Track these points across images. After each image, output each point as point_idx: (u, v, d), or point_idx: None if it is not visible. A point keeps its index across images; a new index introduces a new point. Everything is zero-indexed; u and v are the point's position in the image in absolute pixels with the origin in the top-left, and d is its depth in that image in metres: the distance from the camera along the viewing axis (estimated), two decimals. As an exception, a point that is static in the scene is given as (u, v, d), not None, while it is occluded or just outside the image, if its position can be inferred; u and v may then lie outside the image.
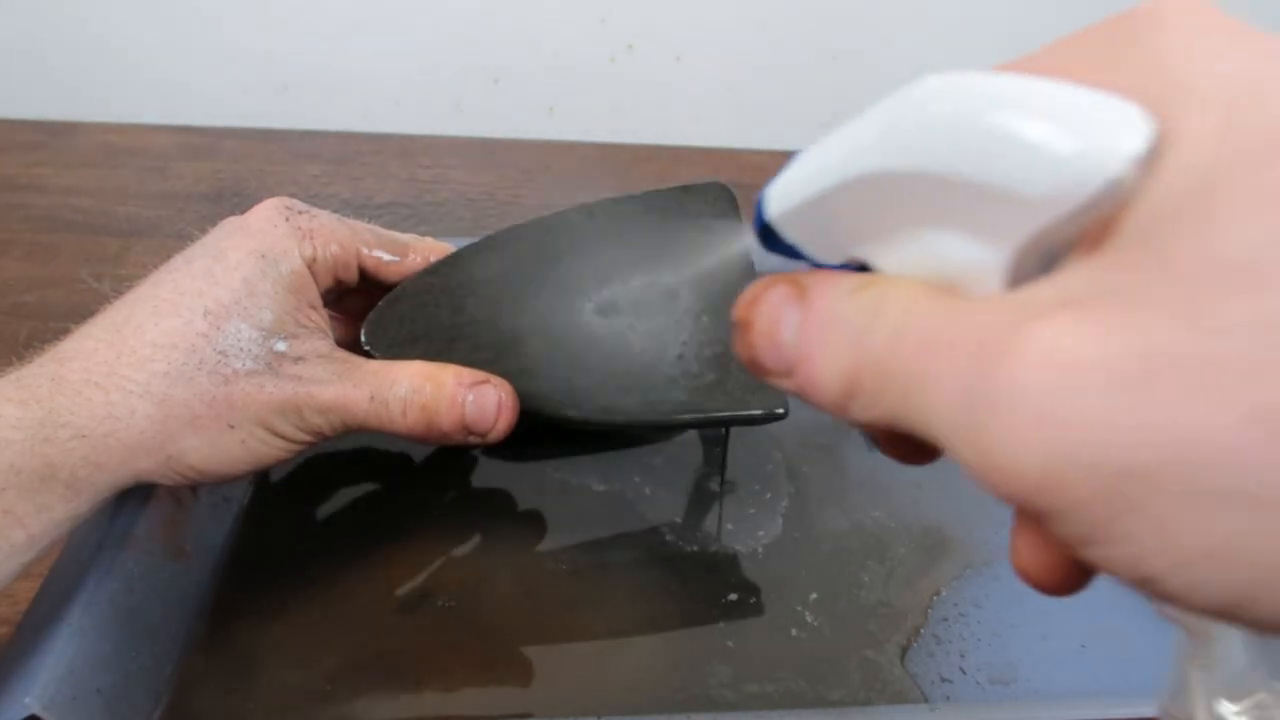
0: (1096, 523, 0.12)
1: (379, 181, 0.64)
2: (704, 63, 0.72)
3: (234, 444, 0.29)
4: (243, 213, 0.32)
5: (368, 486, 0.38)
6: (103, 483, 0.27)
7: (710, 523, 0.37)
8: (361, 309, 0.34)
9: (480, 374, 0.32)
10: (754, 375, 0.17)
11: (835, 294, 0.16)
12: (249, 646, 0.31)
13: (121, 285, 0.30)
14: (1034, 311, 0.13)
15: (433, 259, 0.34)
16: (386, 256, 0.34)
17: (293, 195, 0.33)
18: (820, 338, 0.16)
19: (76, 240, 0.56)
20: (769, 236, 0.17)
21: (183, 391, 0.27)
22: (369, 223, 0.34)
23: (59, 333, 0.28)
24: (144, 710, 0.29)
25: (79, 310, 0.29)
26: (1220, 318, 0.11)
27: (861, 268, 0.17)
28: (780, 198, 0.17)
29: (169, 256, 0.30)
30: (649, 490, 0.37)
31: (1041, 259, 0.14)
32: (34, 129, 0.67)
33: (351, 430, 0.30)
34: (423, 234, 0.36)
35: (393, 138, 0.69)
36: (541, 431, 0.33)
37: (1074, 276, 0.13)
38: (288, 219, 0.31)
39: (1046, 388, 0.12)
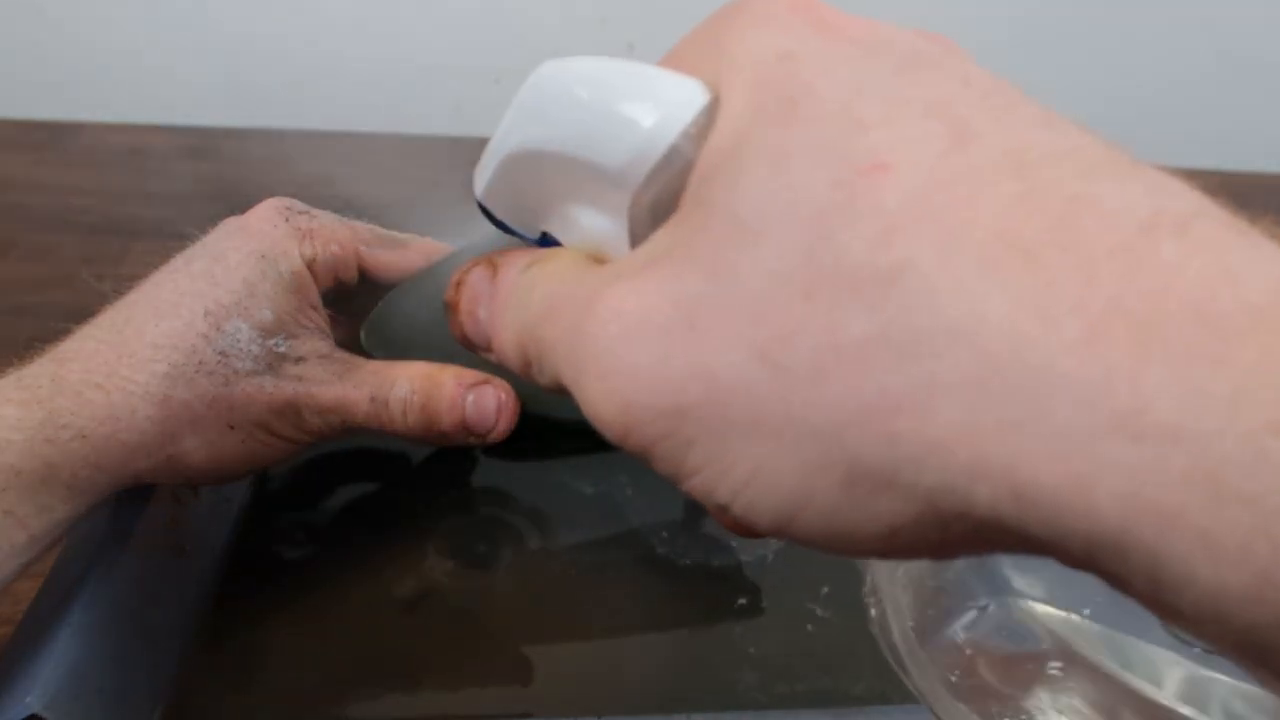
0: (671, 459, 0.14)
1: (379, 181, 0.64)
2: (704, 63, 0.72)
3: (234, 444, 0.29)
4: (243, 213, 0.32)
5: (368, 486, 0.38)
6: (103, 483, 0.27)
7: (710, 523, 0.37)
8: (362, 310, 0.34)
9: (480, 374, 0.32)
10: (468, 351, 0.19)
11: (513, 271, 0.17)
12: (249, 646, 0.31)
13: (122, 285, 0.30)
14: (613, 276, 0.14)
15: (433, 259, 0.34)
16: (386, 257, 0.34)
17: (293, 195, 0.33)
18: (500, 312, 0.17)
19: (77, 240, 0.56)
20: (486, 213, 0.19)
21: (183, 392, 0.28)
22: (369, 223, 0.34)
23: (60, 333, 0.28)
24: (145, 709, 0.29)
25: (80, 310, 0.29)
26: (733, 268, 0.13)
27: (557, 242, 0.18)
28: (479, 177, 0.18)
29: (169, 256, 0.30)
30: (649, 490, 0.37)
31: (652, 224, 0.15)
32: (34, 129, 0.67)
33: (351, 431, 0.30)
34: (423, 234, 0.36)
35: (393, 138, 0.69)
36: (541, 432, 0.34)
37: (654, 240, 0.14)
38: (287, 219, 0.31)
39: (612, 341, 0.13)
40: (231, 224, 0.31)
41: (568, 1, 0.69)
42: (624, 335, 0.13)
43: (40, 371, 0.27)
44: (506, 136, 0.17)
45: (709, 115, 0.14)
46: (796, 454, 0.12)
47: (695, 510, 0.37)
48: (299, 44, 0.71)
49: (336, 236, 0.32)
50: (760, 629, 0.32)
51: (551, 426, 0.33)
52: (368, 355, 0.32)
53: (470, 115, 0.74)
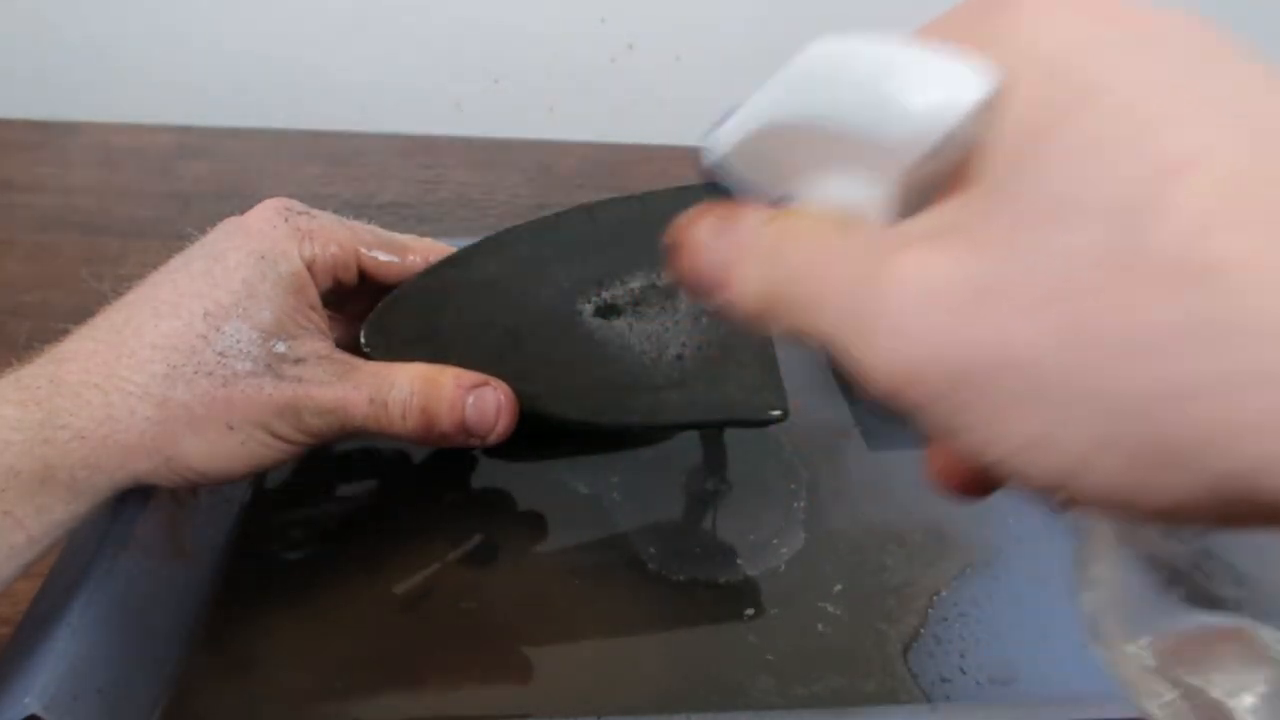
0: (947, 416, 0.14)
1: (379, 181, 0.64)
2: (704, 63, 0.72)
3: (233, 445, 0.29)
4: (242, 213, 0.32)
5: (368, 486, 0.38)
6: (102, 484, 0.27)
7: (710, 523, 0.37)
8: (361, 310, 0.34)
9: (479, 376, 0.32)
10: (688, 293, 0.21)
11: (753, 222, 0.18)
12: (249, 646, 0.31)
13: (122, 285, 0.30)
14: (901, 244, 0.15)
15: (432, 260, 0.34)
16: (386, 257, 0.34)
17: (293, 195, 0.33)
18: (739, 260, 0.18)
19: (76, 240, 0.56)
20: (713, 177, 0.20)
21: (182, 393, 0.27)
22: (369, 223, 0.34)
23: (59, 333, 0.28)
24: (144, 710, 0.29)
25: (79, 310, 0.29)
26: (1035, 248, 0.14)
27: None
28: (721, 142, 0.19)
29: (169, 256, 0.30)
30: (649, 491, 0.37)
31: (921, 196, 0.16)
32: (34, 129, 0.67)
33: (351, 433, 0.30)
34: (423, 234, 0.36)
35: (393, 138, 0.69)
36: (541, 433, 0.34)
37: (936, 215, 0.15)
38: (287, 219, 0.31)
39: (905, 307, 0.14)
40: (231, 224, 0.31)
41: (568, 1, 0.69)
42: (918, 303, 0.14)
43: (39, 372, 0.27)
44: (774, 105, 0.18)
45: (992, 101, 0.15)
46: (1087, 426, 0.13)
47: (696, 510, 0.37)
48: (299, 44, 0.71)
49: (336, 237, 0.32)
50: (772, 632, 0.32)
51: (551, 428, 0.33)
52: (367, 356, 0.32)
53: (470, 115, 0.74)
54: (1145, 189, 0.13)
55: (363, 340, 0.33)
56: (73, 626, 0.27)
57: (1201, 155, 0.13)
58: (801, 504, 0.38)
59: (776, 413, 0.34)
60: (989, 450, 0.14)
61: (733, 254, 0.18)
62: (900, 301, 0.14)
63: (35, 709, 0.25)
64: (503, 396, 0.32)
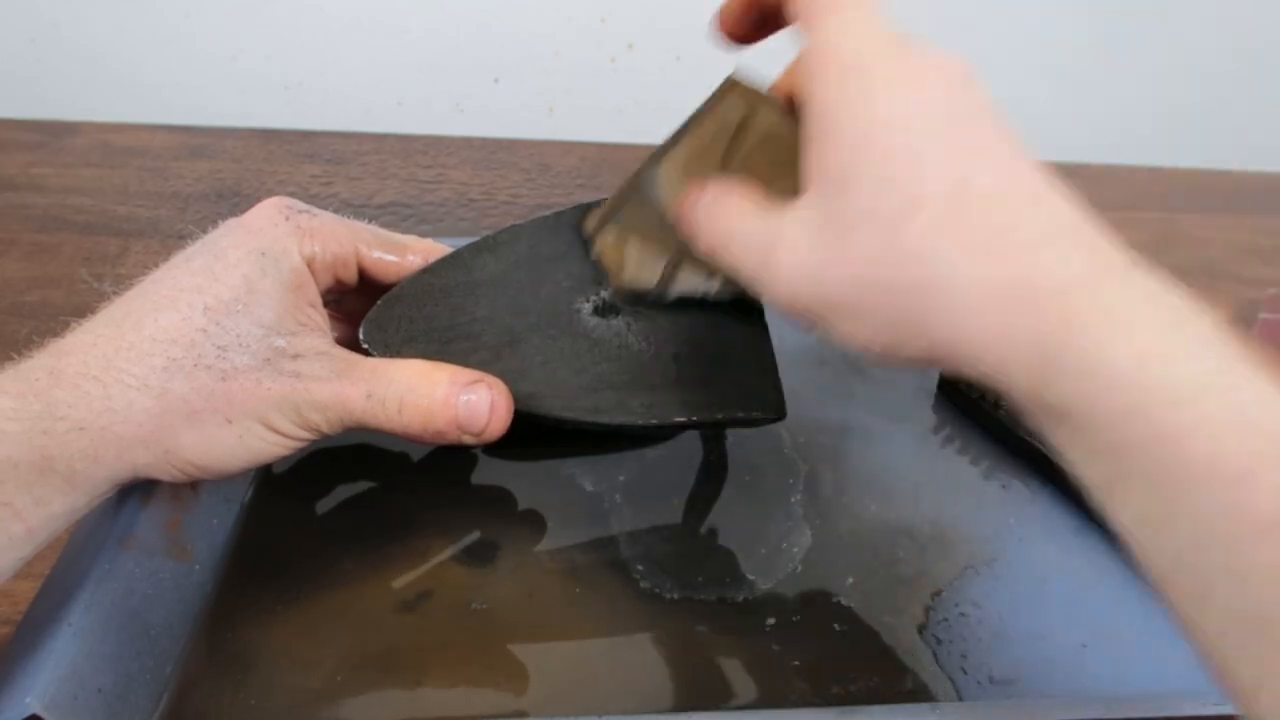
0: (813, 320, 0.27)
1: (379, 181, 0.64)
2: (704, 63, 0.72)
3: (231, 439, 0.29)
4: (243, 213, 0.32)
5: (367, 486, 0.38)
6: (100, 476, 0.27)
7: (710, 522, 0.37)
8: (360, 310, 0.34)
9: (475, 374, 0.32)
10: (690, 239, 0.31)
11: (713, 194, 0.30)
12: (249, 646, 0.31)
13: (121, 285, 0.30)
14: (785, 227, 0.27)
15: (432, 259, 0.34)
16: (386, 257, 0.34)
17: (293, 195, 0.33)
18: (705, 219, 0.30)
19: (76, 240, 0.56)
20: None
21: (181, 386, 0.27)
22: (369, 223, 0.34)
23: (59, 333, 0.28)
24: (145, 710, 0.29)
25: (79, 310, 0.29)
26: (844, 239, 0.25)
27: None
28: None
29: (169, 256, 0.30)
30: (649, 490, 0.37)
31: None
32: (34, 129, 0.67)
33: (348, 428, 0.30)
34: (423, 234, 0.36)
35: (393, 138, 0.69)
36: (540, 432, 0.34)
37: (799, 209, 0.27)
38: (288, 218, 0.31)
39: (786, 268, 0.27)
40: (232, 223, 0.31)
41: (568, 1, 0.69)
42: (792, 265, 0.27)
43: (38, 365, 0.27)
44: None
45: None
46: (872, 324, 0.25)
47: (696, 509, 0.37)
48: (299, 44, 0.71)
49: (337, 235, 0.32)
50: (793, 635, 0.32)
51: (548, 426, 0.33)
52: (366, 353, 0.32)
53: (470, 115, 0.74)
54: (902, 212, 0.24)
55: (362, 337, 0.33)
56: (73, 626, 0.27)
57: (930, 197, 0.24)
58: (799, 497, 0.38)
59: (773, 412, 0.34)
60: (833, 334, 0.26)
61: (703, 216, 0.30)
62: (785, 265, 0.27)
63: (36, 709, 0.25)
64: (497, 395, 0.32)
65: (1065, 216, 0.24)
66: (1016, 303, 0.22)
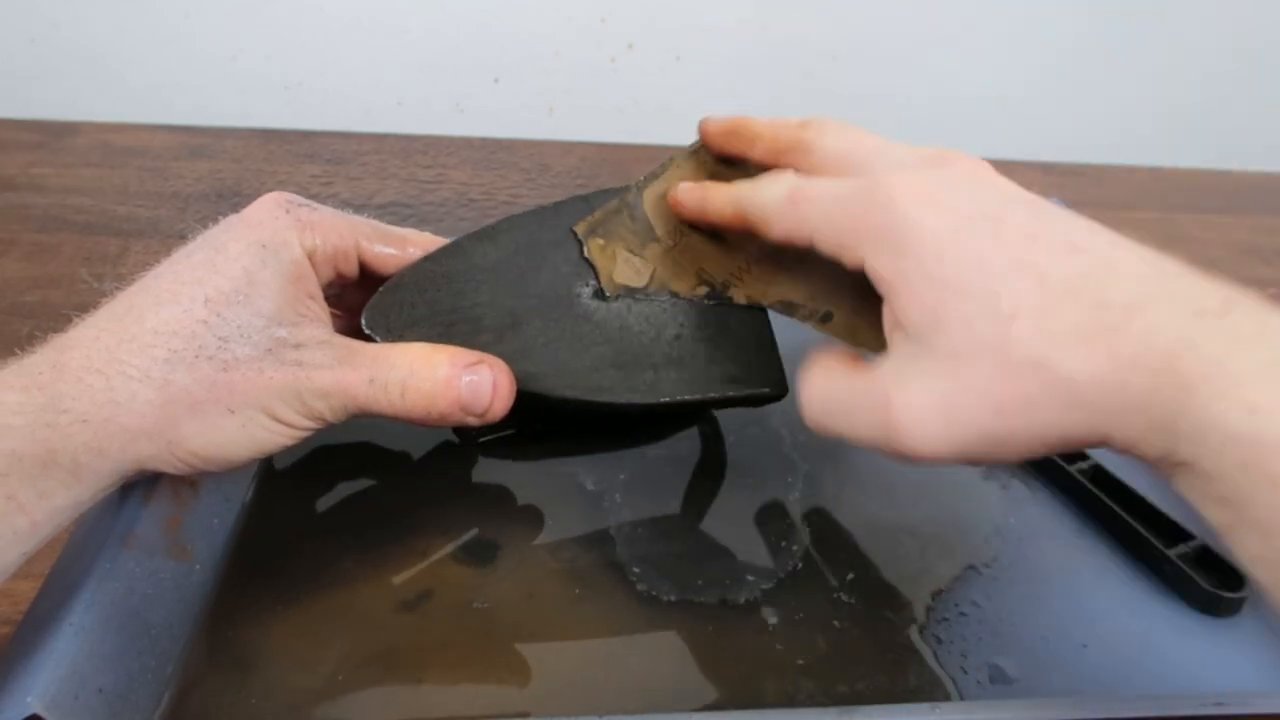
0: (951, 460, 0.26)
1: (379, 181, 0.64)
2: (704, 63, 0.72)
3: (235, 429, 0.29)
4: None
5: (368, 485, 0.38)
6: (104, 469, 0.27)
7: (710, 522, 0.37)
8: (361, 303, 0.34)
9: (476, 354, 0.32)
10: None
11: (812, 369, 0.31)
12: (250, 646, 0.31)
13: (121, 285, 0.30)
14: (891, 384, 0.27)
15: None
16: (386, 250, 0.34)
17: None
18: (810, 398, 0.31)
19: (76, 240, 0.56)
20: None
21: (183, 377, 0.28)
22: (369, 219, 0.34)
23: (60, 331, 0.28)
24: (146, 709, 0.29)
25: (79, 310, 0.29)
26: (955, 378, 0.25)
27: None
28: None
29: (169, 256, 0.30)
30: (649, 489, 0.37)
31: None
32: (34, 129, 0.67)
33: (352, 414, 0.31)
34: (421, 230, 0.36)
35: (393, 138, 0.69)
36: (542, 415, 0.34)
37: (896, 359, 0.27)
38: (288, 211, 0.31)
39: (913, 424, 0.26)
40: (232, 218, 0.31)
41: (568, 1, 0.69)
42: (917, 419, 0.26)
43: (41, 359, 0.27)
44: None
45: None
46: (1016, 440, 0.25)
47: (695, 508, 0.37)
48: (299, 44, 0.71)
49: (337, 229, 0.32)
50: (796, 634, 0.32)
51: (549, 405, 0.33)
52: (368, 339, 0.32)
53: (470, 115, 0.74)
54: (1001, 330, 0.24)
55: (364, 322, 0.33)
56: (74, 626, 0.27)
57: (1019, 305, 0.24)
58: (797, 496, 0.38)
59: (776, 388, 0.34)
60: (976, 462, 0.27)
61: (802, 394, 0.30)
62: (910, 419, 0.26)
63: (37, 708, 0.25)
64: (499, 374, 0.32)
65: (1141, 270, 0.24)
66: (1132, 382, 0.23)
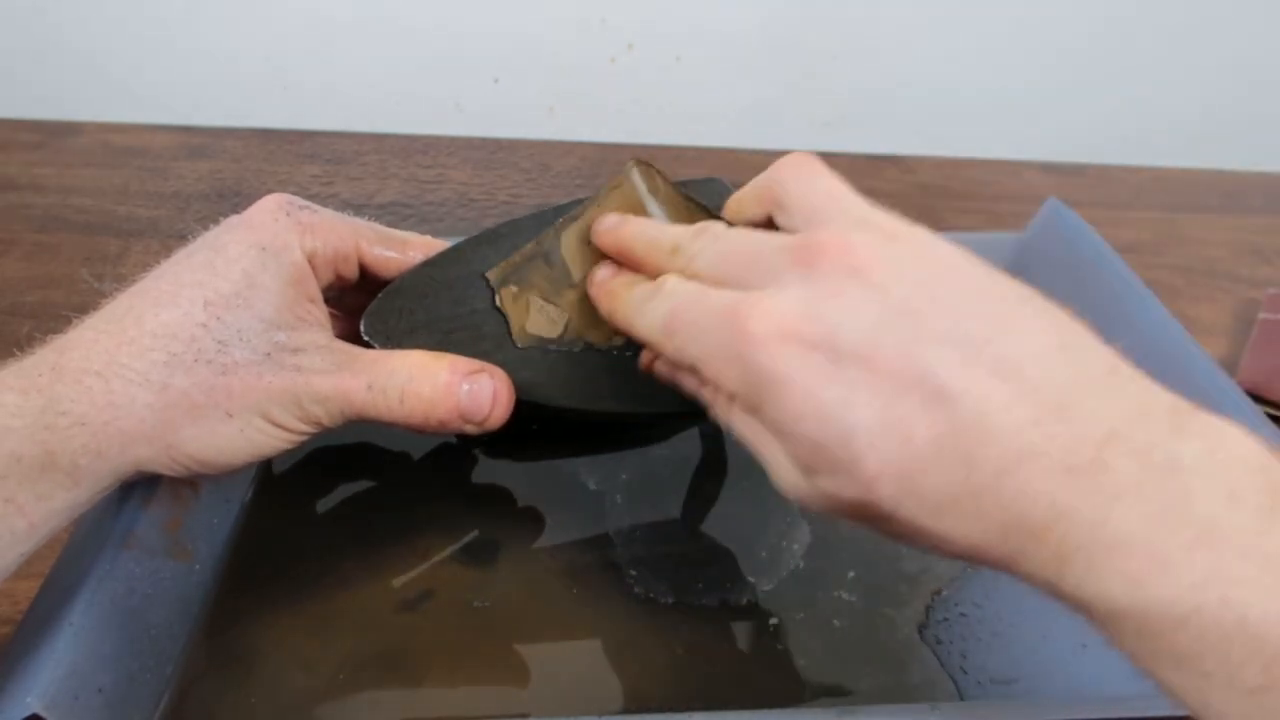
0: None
1: (379, 181, 0.64)
2: (704, 63, 0.72)
3: (233, 433, 0.29)
4: (242, 212, 0.32)
5: (368, 486, 0.38)
6: (103, 471, 0.27)
7: (710, 523, 0.37)
8: (361, 306, 0.34)
9: (476, 363, 0.32)
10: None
11: None
12: (250, 646, 0.31)
13: (121, 285, 0.30)
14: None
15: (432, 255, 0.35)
16: (387, 253, 0.34)
17: (293, 195, 0.33)
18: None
19: (76, 240, 0.56)
20: None
21: (182, 380, 0.28)
22: (369, 221, 0.34)
23: (60, 332, 0.28)
24: (145, 709, 0.29)
25: (80, 310, 0.29)
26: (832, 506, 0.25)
27: None
28: None
29: (169, 256, 0.30)
30: (651, 489, 0.37)
31: None
32: (34, 129, 0.67)
33: (350, 419, 0.30)
34: (423, 234, 0.36)
35: (393, 138, 0.69)
36: (540, 424, 0.34)
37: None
38: (289, 213, 0.31)
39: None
40: (233, 219, 0.31)
41: (568, 1, 0.69)
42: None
43: (40, 361, 0.27)
44: None
45: None
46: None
47: (695, 508, 0.37)
48: (299, 44, 0.71)
49: (338, 231, 0.32)
50: (798, 633, 0.32)
51: (548, 414, 0.33)
52: (367, 345, 0.32)
53: (470, 115, 0.74)
54: (862, 496, 0.23)
55: (363, 328, 0.33)
56: (74, 626, 0.27)
57: (884, 475, 0.22)
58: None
59: None
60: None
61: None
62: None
63: (37, 708, 0.25)
64: (498, 383, 0.32)
65: (1018, 416, 0.21)
66: (1005, 549, 0.22)
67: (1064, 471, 0.21)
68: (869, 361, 0.23)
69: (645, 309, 0.28)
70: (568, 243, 0.34)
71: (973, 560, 0.23)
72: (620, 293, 0.30)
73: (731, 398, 0.26)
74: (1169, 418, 0.21)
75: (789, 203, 0.28)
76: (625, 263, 0.32)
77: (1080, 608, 0.21)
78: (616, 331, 0.33)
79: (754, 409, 0.25)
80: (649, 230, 0.31)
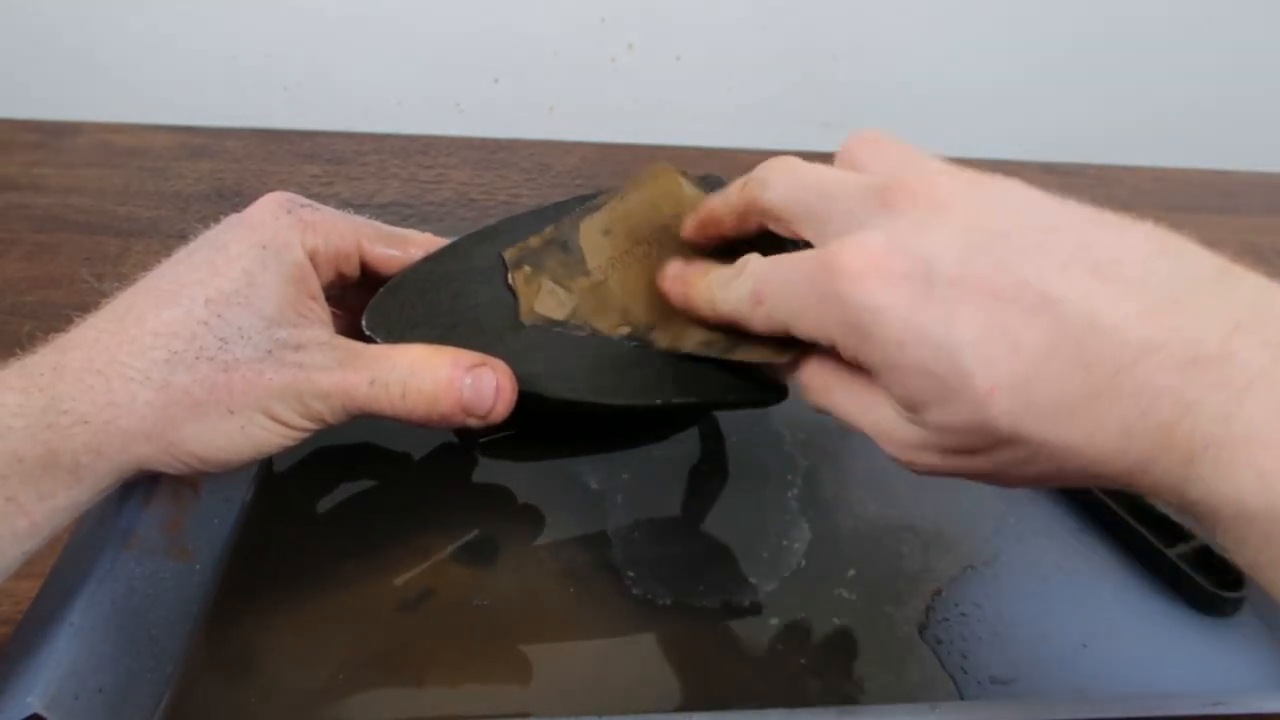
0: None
1: (379, 181, 0.64)
2: (704, 63, 0.72)
3: (234, 430, 0.29)
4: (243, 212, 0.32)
5: (368, 486, 0.38)
6: (104, 470, 0.27)
7: (711, 523, 0.37)
8: (362, 304, 0.34)
9: (478, 356, 0.32)
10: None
11: None
12: (250, 646, 0.31)
13: (122, 285, 0.30)
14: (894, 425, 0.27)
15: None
16: (388, 251, 0.34)
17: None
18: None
19: (76, 240, 0.56)
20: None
21: (183, 378, 0.28)
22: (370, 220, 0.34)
23: (60, 332, 0.28)
24: (146, 709, 0.29)
25: (80, 310, 0.29)
26: (939, 437, 0.25)
27: None
28: None
29: (169, 256, 0.30)
30: (653, 489, 0.37)
31: None
32: (34, 129, 0.67)
33: (352, 415, 0.31)
34: (423, 230, 0.36)
35: (393, 138, 0.69)
36: (543, 418, 0.34)
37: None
38: (289, 211, 0.31)
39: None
40: (234, 218, 0.31)
41: (568, 1, 0.69)
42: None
43: (42, 360, 0.27)
44: None
45: None
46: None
47: (696, 508, 0.37)
48: (299, 44, 0.71)
49: (339, 229, 0.32)
50: (798, 632, 0.32)
51: (550, 407, 0.33)
52: (368, 341, 0.32)
53: (470, 115, 0.74)
54: (977, 415, 0.23)
55: (364, 324, 0.33)
56: (74, 626, 0.27)
57: (997, 386, 0.22)
58: (796, 492, 0.38)
59: (776, 393, 0.34)
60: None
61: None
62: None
63: (37, 708, 0.25)
64: (501, 377, 0.32)
65: (1125, 311, 0.21)
66: (1130, 452, 0.21)
67: (1189, 363, 0.20)
68: (965, 282, 0.22)
69: (731, 285, 0.29)
70: (586, 233, 0.35)
71: (1096, 481, 0.22)
72: (696, 280, 0.31)
73: (831, 348, 0.26)
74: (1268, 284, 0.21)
75: (773, 198, 0.29)
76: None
77: (1207, 515, 0.20)
78: (627, 312, 0.34)
79: (855, 350, 0.25)
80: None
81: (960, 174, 0.25)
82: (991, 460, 0.23)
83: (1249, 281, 0.22)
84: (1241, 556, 0.20)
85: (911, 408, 0.24)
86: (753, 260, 0.29)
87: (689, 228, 0.33)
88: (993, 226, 0.23)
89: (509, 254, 0.35)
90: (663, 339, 0.33)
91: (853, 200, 0.26)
